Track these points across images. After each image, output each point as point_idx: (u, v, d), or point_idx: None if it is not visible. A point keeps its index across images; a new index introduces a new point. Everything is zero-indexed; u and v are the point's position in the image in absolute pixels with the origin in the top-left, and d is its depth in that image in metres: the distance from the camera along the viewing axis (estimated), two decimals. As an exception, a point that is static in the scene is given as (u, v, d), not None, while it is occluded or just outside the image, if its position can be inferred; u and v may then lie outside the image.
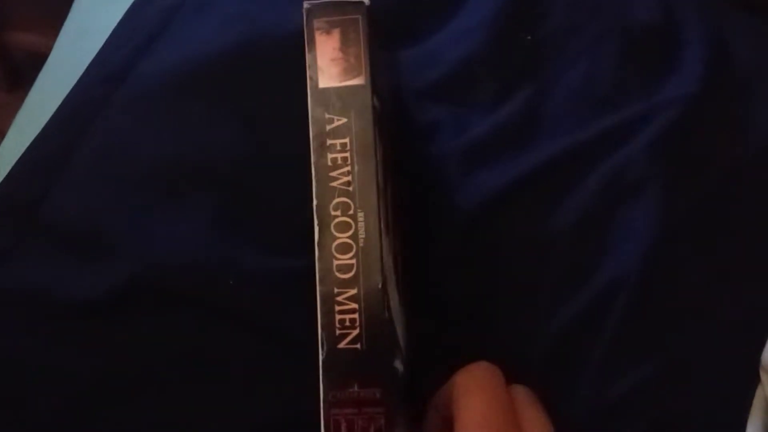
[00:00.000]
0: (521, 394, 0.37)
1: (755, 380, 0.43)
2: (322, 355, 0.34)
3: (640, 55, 0.51)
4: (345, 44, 0.36)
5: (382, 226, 0.35)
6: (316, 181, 0.35)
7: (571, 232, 0.45)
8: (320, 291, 0.34)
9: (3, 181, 0.46)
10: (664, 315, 0.44)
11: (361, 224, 0.35)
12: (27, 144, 0.47)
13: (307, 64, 0.36)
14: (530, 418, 0.36)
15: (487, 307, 0.45)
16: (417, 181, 0.47)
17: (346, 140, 0.35)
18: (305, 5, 0.37)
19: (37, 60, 0.64)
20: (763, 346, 0.43)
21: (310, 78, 0.36)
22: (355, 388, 0.34)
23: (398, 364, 0.35)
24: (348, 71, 0.36)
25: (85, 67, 0.50)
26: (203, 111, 0.47)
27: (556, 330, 0.43)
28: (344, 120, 0.35)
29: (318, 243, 0.35)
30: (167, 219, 0.44)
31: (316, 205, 0.35)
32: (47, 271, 0.43)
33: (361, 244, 0.34)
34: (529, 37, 0.51)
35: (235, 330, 0.42)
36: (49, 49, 0.65)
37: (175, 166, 0.45)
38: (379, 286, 0.34)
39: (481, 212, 0.46)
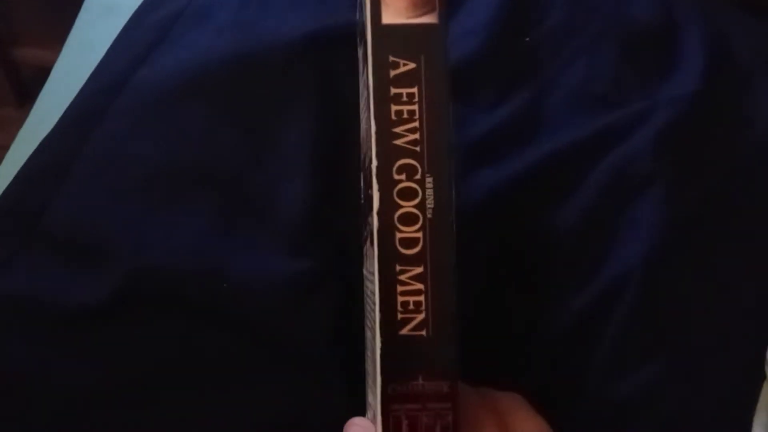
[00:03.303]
0: (508, 399, 0.35)
1: (761, 377, 0.42)
2: (380, 342, 0.29)
3: (640, 54, 0.51)
4: None
5: (454, 194, 0.30)
6: (377, 138, 0.29)
7: (575, 229, 0.45)
8: (379, 268, 0.29)
9: (5, 191, 0.46)
10: (669, 313, 0.44)
11: (429, 191, 0.29)
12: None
13: None
14: (522, 419, 0.34)
15: (491, 305, 0.43)
16: None
17: (414, 90, 0.29)
18: None
19: (45, 75, 0.64)
20: (767, 341, 0.43)
21: (371, 11, 0.30)
22: (420, 381, 0.29)
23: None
24: (417, 6, 0.30)
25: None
26: (201, 117, 0.46)
27: (561, 328, 0.43)
28: (413, 65, 0.29)
29: (378, 212, 0.29)
30: (164, 224, 0.43)
31: (376, 167, 0.29)
32: (48, 279, 0.42)
33: (429, 215, 0.29)
34: (527, 39, 0.51)
35: (231, 334, 0.41)
36: (58, 64, 0.67)
37: (173, 171, 0.45)
38: (452, 263, 0.29)
39: (482, 209, 0.45)
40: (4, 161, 0.57)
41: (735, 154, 0.49)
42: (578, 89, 0.50)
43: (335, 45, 0.48)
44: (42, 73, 0.65)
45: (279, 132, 0.46)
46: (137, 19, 0.52)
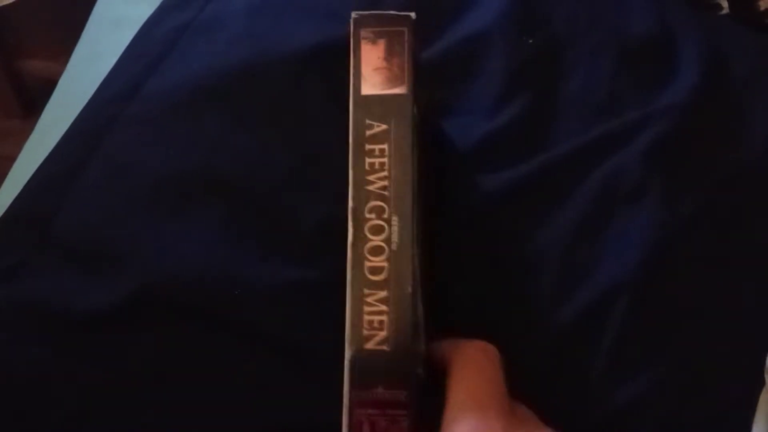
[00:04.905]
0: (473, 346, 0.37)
1: (760, 382, 0.43)
2: (349, 354, 0.34)
3: (636, 65, 0.53)
4: (390, 54, 0.37)
5: (415, 232, 0.35)
6: (353, 184, 0.36)
7: (568, 236, 0.46)
8: (350, 291, 0.35)
9: (16, 198, 0.47)
10: (665, 319, 0.45)
11: (394, 228, 0.35)
12: (38, 165, 0.48)
13: (350, 72, 0.37)
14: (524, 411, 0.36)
15: (487, 308, 0.45)
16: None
17: (385, 146, 0.36)
18: (353, 15, 0.38)
19: (51, 87, 0.65)
20: (766, 348, 0.44)
21: (353, 84, 0.37)
22: (380, 390, 0.34)
23: (420, 370, 0.35)
24: (391, 80, 0.37)
25: (94, 90, 0.51)
26: (211, 126, 0.48)
27: (556, 333, 0.44)
28: (384, 127, 0.36)
29: (351, 244, 0.35)
30: (175, 232, 0.45)
31: (352, 208, 0.36)
32: (58, 284, 0.43)
33: (393, 248, 0.35)
34: (530, 41, 0.53)
35: (240, 341, 0.42)
36: (62, 75, 0.66)
37: (183, 180, 0.46)
38: (409, 291, 0.35)
39: (478, 215, 0.47)
40: (12, 171, 0.57)
41: (729, 165, 0.49)
42: (576, 98, 0.51)
43: (343, 56, 0.48)
44: (48, 85, 0.64)
45: (288, 141, 0.47)
46: (147, 30, 0.54)
